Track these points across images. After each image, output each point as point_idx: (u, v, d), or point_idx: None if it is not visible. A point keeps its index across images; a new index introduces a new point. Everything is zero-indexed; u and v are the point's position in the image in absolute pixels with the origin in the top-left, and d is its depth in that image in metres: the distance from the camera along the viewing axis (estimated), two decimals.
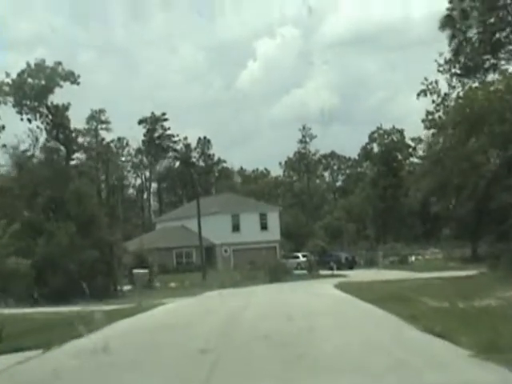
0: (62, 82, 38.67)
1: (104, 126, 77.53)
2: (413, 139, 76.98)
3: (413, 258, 57.33)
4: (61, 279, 27.63)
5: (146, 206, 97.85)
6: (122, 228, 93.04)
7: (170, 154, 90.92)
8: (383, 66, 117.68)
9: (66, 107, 39.27)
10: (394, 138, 72.63)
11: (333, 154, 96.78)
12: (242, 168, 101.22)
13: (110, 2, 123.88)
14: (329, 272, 44.10)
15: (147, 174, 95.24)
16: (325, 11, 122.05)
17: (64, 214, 29.96)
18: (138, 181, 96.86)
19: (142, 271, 24.29)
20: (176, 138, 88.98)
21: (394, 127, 73.95)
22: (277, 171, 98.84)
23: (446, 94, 30.61)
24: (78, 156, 41.30)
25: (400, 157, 72.36)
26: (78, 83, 39.03)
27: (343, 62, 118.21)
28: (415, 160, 78.55)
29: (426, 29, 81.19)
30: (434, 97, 29.60)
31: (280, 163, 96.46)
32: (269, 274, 40.03)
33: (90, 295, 25.00)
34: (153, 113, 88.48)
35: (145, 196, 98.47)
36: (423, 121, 31.17)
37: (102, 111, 77.04)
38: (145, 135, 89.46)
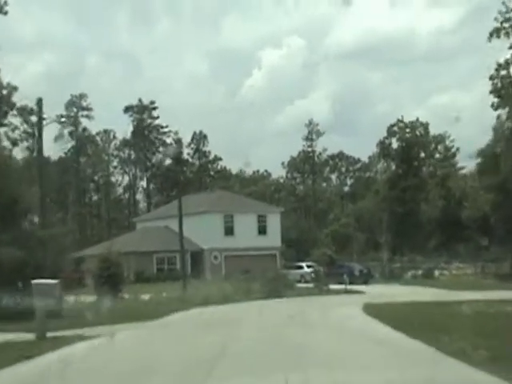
0: None
1: (85, 113, 68.85)
2: (434, 137, 69.13)
3: (437, 273, 49.46)
4: None
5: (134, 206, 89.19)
6: (106, 230, 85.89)
7: (161, 149, 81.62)
8: (387, 78, 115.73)
9: None
10: (417, 133, 63.60)
11: (341, 155, 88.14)
12: (240, 171, 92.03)
13: (114, 6, 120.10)
14: (340, 287, 35.69)
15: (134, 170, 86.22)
16: (331, 22, 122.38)
17: None
18: (126, 179, 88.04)
19: (44, 282, 15.47)
20: (165, 130, 79.56)
21: (417, 119, 64.70)
22: (278, 173, 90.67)
23: None
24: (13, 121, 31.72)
25: (423, 154, 63.71)
26: (6, 13, 30.01)
27: (348, 73, 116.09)
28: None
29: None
30: None
31: (283, 163, 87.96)
32: (267, 287, 32.06)
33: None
34: (140, 100, 79.38)
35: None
36: (491, 78, 22.35)
37: (82, 96, 68.49)
38: (133, 125, 79.82)
